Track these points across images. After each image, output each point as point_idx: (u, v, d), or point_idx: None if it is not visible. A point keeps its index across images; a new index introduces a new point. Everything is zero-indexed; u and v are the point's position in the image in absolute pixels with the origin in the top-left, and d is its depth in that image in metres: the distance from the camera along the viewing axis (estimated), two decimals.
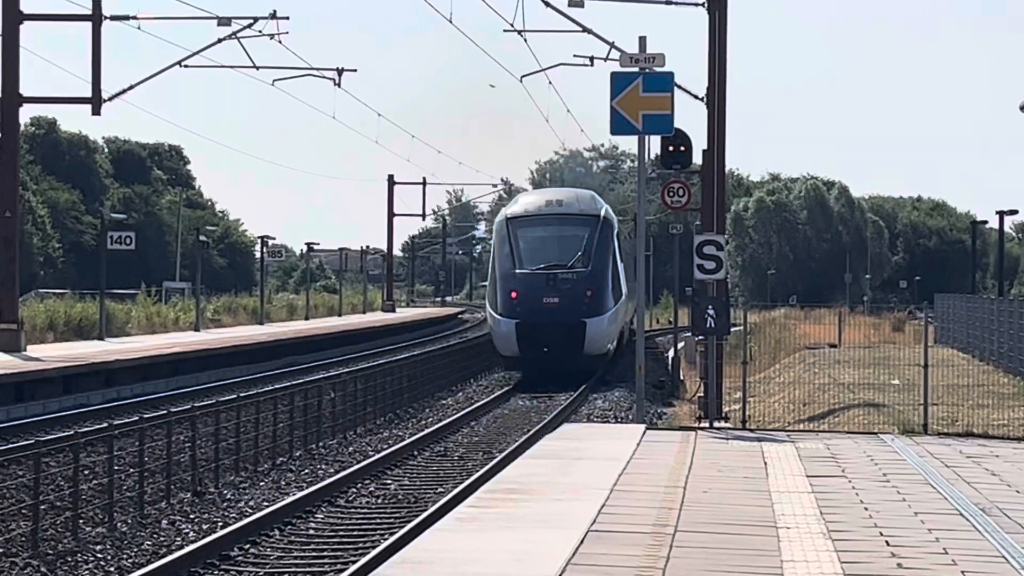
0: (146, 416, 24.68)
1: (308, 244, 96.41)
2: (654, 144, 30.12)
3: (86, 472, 20.68)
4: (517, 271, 46.91)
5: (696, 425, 25.27)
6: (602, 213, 49.72)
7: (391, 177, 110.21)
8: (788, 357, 45.08)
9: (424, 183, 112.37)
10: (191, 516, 20.14)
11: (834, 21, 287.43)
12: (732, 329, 28.55)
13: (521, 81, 47.80)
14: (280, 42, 47.58)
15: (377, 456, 26.97)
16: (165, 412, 25.15)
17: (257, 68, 50.28)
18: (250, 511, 20.49)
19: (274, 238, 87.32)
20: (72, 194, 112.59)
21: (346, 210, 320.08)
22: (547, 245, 48.20)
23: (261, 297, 79.91)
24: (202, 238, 75.23)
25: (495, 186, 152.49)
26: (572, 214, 49.27)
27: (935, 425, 25.10)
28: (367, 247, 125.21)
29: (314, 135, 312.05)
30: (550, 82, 55.47)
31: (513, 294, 46.60)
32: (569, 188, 64.24)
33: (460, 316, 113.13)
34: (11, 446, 23.73)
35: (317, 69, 55.13)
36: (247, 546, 17.68)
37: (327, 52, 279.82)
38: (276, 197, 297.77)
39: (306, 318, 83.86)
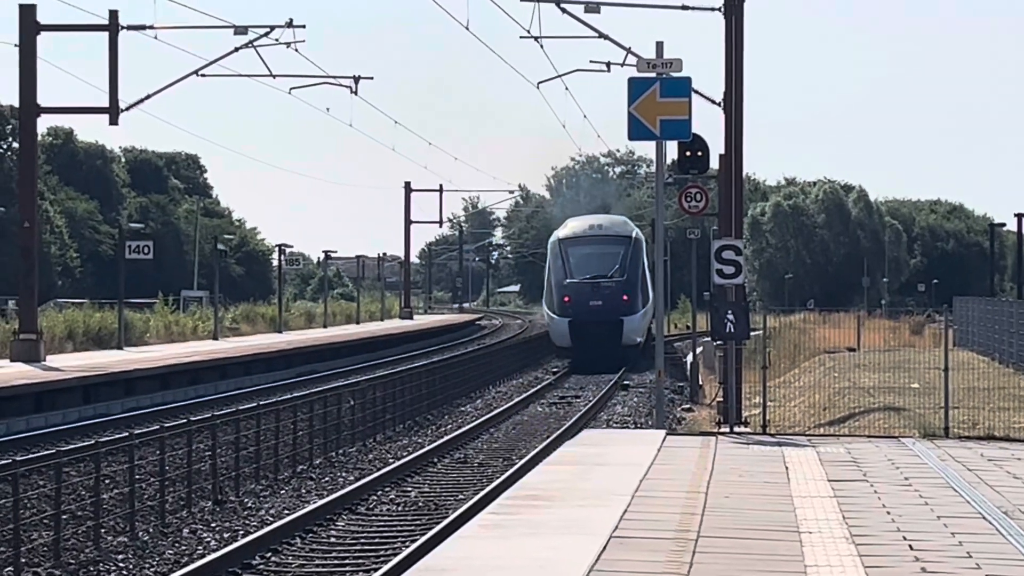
0: (166, 425, 24.70)
1: (325, 252, 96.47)
2: (671, 149, 30.04)
3: (107, 482, 20.72)
4: (568, 280, 60.63)
5: (716, 430, 25.22)
6: (633, 234, 63.54)
7: (408, 184, 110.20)
8: (807, 361, 44.98)
9: (441, 190, 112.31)
10: (212, 525, 20.19)
11: (851, 25, 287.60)
12: (751, 333, 28.52)
13: (538, 87, 47.81)
14: (296, 50, 47.60)
15: (397, 463, 27.03)
16: (185, 421, 25.23)
17: (274, 76, 50.34)
18: (271, 519, 20.54)
19: (291, 246, 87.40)
20: (89, 204, 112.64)
21: (363, 218, 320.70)
22: (591, 260, 61.62)
23: (279, 305, 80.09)
24: (220, 247, 75.46)
25: (511, 192, 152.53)
26: (610, 235, 63.41)
27: (956, 428, 24.99)
28: (384, 254, 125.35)
29: (331, 143, 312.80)
30: (567, 88, 56.31)
31: (566, 298, 59.84)
32: (606, 215, 78.15)
33: (478, 323, 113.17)
34: (32, 456, 23.76)
35: (333, 77, 55.16)
36: (268, 554, 17.71)
37: (343, 60, 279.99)
38: (293, 205, 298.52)
39: (324, 326, 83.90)
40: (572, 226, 65.65)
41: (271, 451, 25.69)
